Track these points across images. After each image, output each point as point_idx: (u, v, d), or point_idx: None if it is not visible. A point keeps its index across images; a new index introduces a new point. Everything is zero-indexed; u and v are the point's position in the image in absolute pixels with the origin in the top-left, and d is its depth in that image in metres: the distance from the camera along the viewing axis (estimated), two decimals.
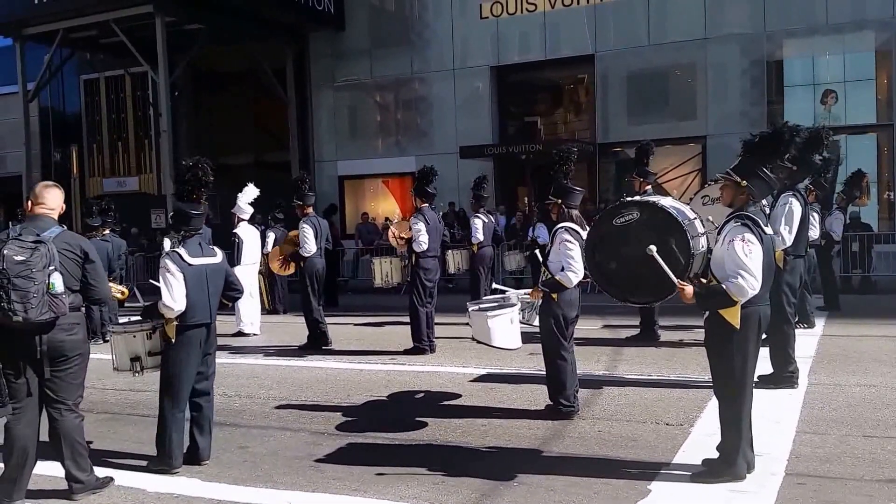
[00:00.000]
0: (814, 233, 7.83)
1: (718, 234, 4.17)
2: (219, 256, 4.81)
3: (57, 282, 3.84)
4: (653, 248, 4.15)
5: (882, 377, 6.38)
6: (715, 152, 15.13)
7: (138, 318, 4.93)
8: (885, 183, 15.28)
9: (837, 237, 10.74)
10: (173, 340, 4.56)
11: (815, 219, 8.09)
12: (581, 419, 5.46)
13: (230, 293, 4.87)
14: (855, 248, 12.42)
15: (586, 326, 8.63)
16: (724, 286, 3.93)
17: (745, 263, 3.88)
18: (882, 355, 7.27)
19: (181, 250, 4.60)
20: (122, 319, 5.92)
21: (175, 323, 4.55)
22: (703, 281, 4.18)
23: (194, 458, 4.72)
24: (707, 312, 4.15)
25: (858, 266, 12.75)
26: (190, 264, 4.57)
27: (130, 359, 4.71)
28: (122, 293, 5.22)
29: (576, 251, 5.29)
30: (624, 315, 9.29)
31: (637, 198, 5.13)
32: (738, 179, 4.10)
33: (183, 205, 4.79)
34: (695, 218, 4.69)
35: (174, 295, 4.50)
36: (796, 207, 5.97)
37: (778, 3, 15.14)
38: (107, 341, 7.70)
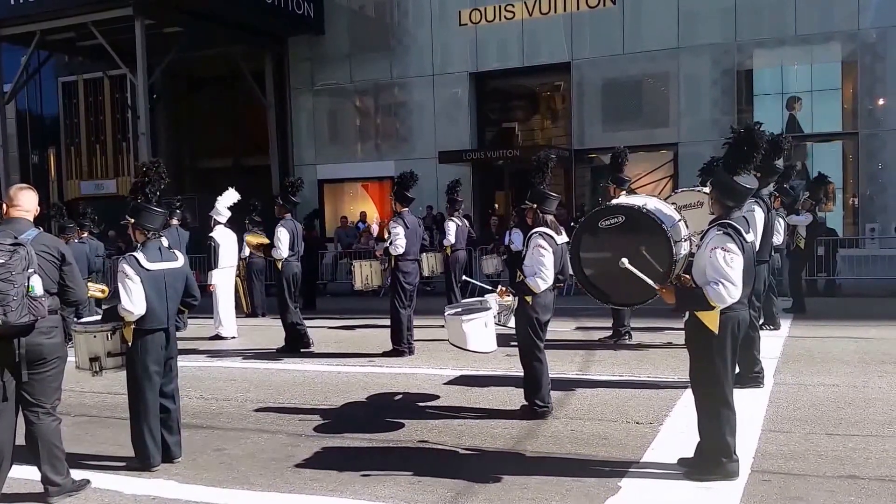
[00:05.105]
0: (778, 239, 8.04)
1: (701, 239, 4.27)
2: (180, 261, 4.82)
3: (36, 284, 3.85)
4: (625, 260, 4.27)
5: (845, 377, 6.57)
6: (686, 159, 15.42)
7: (98, 318, 4.95)
8: (850, 190, 15.67)
9: (802, 235, 10.86)
10: (130, 343, 4.60)
11: (780, 224, 8.33)
12: (554, 419, 5.56)
13: (187, 299, 4.88)
14: (820, 253, 12.71)
15: (559, 328, 8.77)
16: (703, 290, 4.04)
17: (726, 272, 3.97)
18: (845, 356, 7.47)
19: (139, 255, 4.61)
20: (85, 319, 5.92)
21: (133, 326, 4.58)
22: (686, 277, 4.29)
23: (166, 456, 4.78)
24: (687, 315, 4.26)
25: (824, 270, 13.06)
26: (147, 269, 4.58)
27: (90, 358, 4.73)
28: (102, 291, 5.23)
29: (548, 258, 5.38)
30: (597, 317, 9.45)
31: (623, 201, 5.23)
32: (716, 194, 4.25)
33: (144, 207, 4.75)
34: (679, 220, 4.77)
35: (133, 299, 4.53)
36: (759, 214, 6.17)
37: (748, 14, 15.47)
38: None
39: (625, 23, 16.37)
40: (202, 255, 11.22)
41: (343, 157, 19.46)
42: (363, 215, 18.50)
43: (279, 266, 8.89)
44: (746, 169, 4.28)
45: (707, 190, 4.37)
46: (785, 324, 9.27)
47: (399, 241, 8.17)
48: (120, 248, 17.99)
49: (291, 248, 8.89)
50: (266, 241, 9.73)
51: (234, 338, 10.23)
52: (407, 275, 8.32)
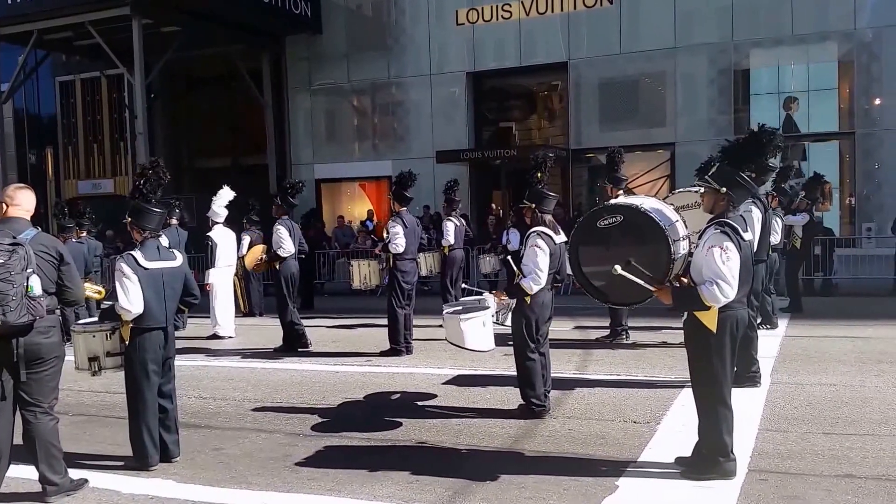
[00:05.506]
0: (775, 238, 8.07)
1: (699, 238, 4.25)
2: (178, 260, 4.82)
3: (35, 284, 3.85)
4: (618, 267, 4.29)
5: (841, 376, 6.60)
6: (683, 159, 15.47)
7: (96, 318, 4.96)
8: (847, 189, 15.71)
9: (798, 235, 10.92)
10: (127, 342, 4.61)
11: (777, 224, 8.35)
12: (552, 418, 5.58)
13: (187, 298, 4.90)
14: (817, 252, 12.75)
15: (558, 328, 8.77)
16: (698, 290, 4.04)
17: (722, 272, 3.97)
18: (842, 355, 7.50)
19: (136, 254, 4.61)
20: (84, 319, 5.92)
21: (131, 325, 4.58)
22: (684, 280, 4.29)
23: (164, 455, 4.79)
24: (686, 315, 4.25)
25: (820, 269, 13.10)
26: (145, 268, 4.58)
27: (88, 358, 4.73)
28: (99, 292, 5.24)
29: (543, 259, 5.38)
30: (595, 316, 9.46)
31: (621, 201, 5.22)
32: (718, 186, 4.17)
33: (142, 206, 4.75)
34: (677, 220, 4.77)
35: (130, 298, 4.53)
36: (756, 214, 6.19)
37: (745, 14, 15.51)
38: None
39: (622, 22, 16.40)
40: (200, 255, 11.22)
41: (340, 157, 19.47)
42: (370, 213, 18.52)
43: (277, 265, 8.89)
44: (749, 167, 4.26)
45: (704, 190, 4.35)
46: (782, 323, 9.29)
47: (398, 239, 8.18)
48: (118, 248, 17.98)
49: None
50: (262, 247, 9.74)
51: (231, 337, 10.24)
52: (405, 274, 8.33)
